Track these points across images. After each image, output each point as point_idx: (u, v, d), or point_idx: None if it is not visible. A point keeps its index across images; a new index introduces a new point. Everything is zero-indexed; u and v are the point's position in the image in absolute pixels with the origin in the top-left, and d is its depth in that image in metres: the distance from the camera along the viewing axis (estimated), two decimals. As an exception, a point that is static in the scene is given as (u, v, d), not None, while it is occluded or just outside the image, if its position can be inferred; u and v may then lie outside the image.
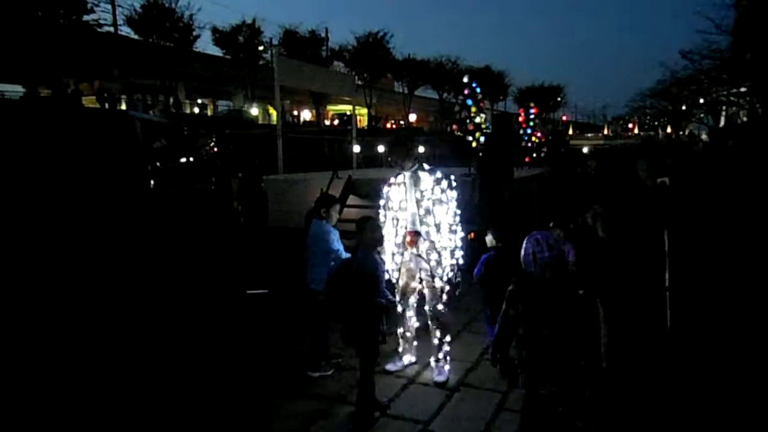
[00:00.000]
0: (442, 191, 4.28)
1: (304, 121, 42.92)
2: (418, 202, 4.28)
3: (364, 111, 42.82)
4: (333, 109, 47.81)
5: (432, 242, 4.26)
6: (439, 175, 4.33)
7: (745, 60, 22.19)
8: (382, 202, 4.46)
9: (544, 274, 2.75)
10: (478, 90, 9.99)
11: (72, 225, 3.86)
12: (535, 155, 14.44)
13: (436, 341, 4.36)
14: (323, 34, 39.44)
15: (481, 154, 9.61)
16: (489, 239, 5.04)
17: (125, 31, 28.99)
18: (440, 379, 4.27)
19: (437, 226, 4.27)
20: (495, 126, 9.94)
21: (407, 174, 4.31)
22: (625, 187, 6.62)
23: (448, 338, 4.39)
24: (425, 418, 3.67)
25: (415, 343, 4.59)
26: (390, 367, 4.49)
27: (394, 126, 48.92)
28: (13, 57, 22.57)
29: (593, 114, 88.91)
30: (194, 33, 30.36)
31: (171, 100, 31.64)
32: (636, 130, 61.40)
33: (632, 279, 4.49)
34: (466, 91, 9.95)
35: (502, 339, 2.90)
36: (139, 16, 28.44)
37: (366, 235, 3.68)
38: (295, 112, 44.98)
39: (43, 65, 23.12)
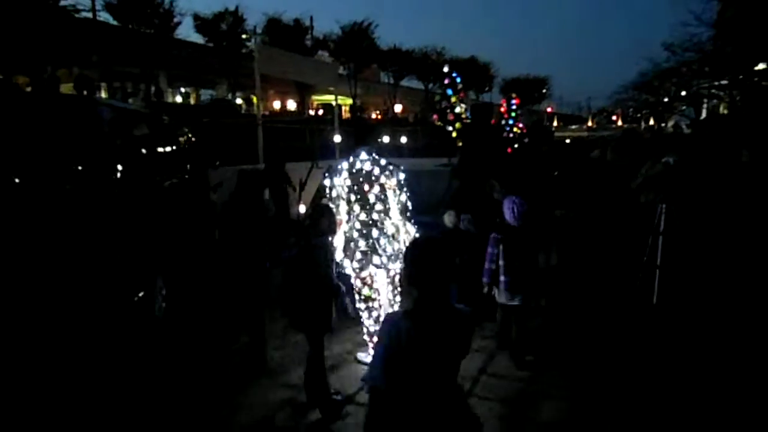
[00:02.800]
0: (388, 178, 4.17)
1: (289, 111, 42.54)
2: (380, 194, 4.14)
3: (350, 101, 42.57)
4: (318, 99, 47.43)
5: (383, 229, 4.11)
6: (383, 161, 4.22)
7: (726, 53, 22.43)
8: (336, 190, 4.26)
9: (519, 223, 4.36)
10: (458, 80, 9.96)
11: (26, 215, 3.65)
12: (516, 146, 14.46)
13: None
14: (308, 23, 39.02)
15: (460, 143, 9.61)
16: (447, 219, 5.22)
17: (104, 17, 28.38)
18: None
19: (387, 213, 4.14)
20: (474, 116, 9.93)
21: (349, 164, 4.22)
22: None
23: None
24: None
25: None
26: (362, 356, 4.50)
27: (379, 116, 48.71)
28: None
29: (578, 106, 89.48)
30: (175, 20, 29.84)
31: (152, 88, 31.10)
32: (620, 122, 61.92)
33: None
34: (446, 81, 9.92)
35: (489, 270, 4.44)
36: (118, 2, 27.85)
37: (321, 222, 3.67)
38: (279, 102, 44.58)
39: (18, 51, 22.56)
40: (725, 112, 29.75)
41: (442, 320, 1.99)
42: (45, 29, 22.42)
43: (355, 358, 4.53)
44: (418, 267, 2.01)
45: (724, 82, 26.12)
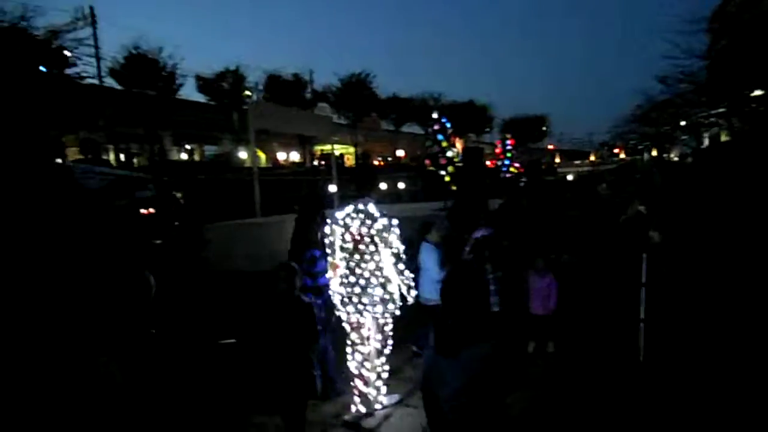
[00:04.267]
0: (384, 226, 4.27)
1: (291, 162, 43.13)
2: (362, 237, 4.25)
3: (353, 149, 43.13)
4: (320, 148, 48.18)
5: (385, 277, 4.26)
6: (376, 213, 4.28)
7: (720, 82, 22.59)
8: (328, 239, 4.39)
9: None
10: (448, 125, 10.01)
11: None
12: (512, 186, 14.47)
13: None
14: (307, 77, 40.05)
15: (454, 187, 9.55)
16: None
17: (108, 82, 29.32)
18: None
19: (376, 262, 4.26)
20: (465, 159, 9.92)
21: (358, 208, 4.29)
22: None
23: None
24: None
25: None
26: (348, 418, 4.27)
27: (381, 163, 49.25)
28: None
29: (580, 141, 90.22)
30: (178, 81, 30.71)
31: (155, 148, 31.77)
32: (622, 155, 62.09)
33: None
34: (436, 126, 9.97)
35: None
36: (122, 67, 28.81)
37: (280, 285, 3.59)
38: (284, 154, 45.24)
39: (26, 119, 23.25)
40: (727, 138, 29.75)
41: None
42: (51, 96, 23.20)
43: (344, 422, 4.30)
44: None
45: (721, 110, 26.25)
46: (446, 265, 4.90)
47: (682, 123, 34.30)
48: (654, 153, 47.71)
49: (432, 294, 4.70)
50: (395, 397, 4.52)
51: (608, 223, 6.33)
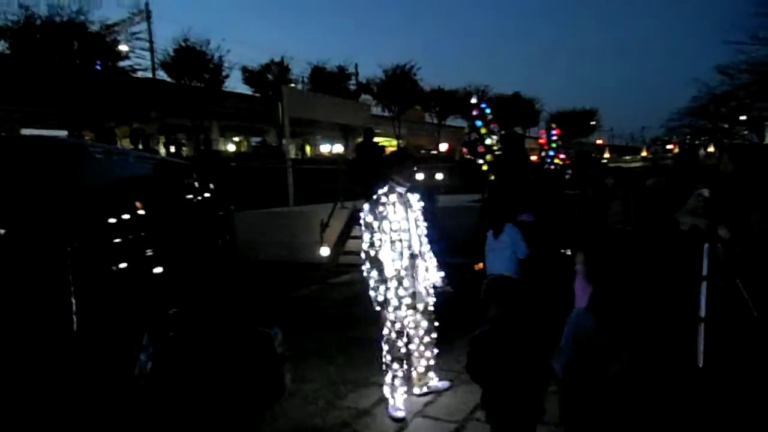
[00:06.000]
0: (425, 210, 4.25)
1: (335, 155, 43.34)
2: (415, 221, 4.15)
3: (395, 142, 42.95)
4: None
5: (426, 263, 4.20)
6: (417, 195, 4.25)
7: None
8: (375, 223, 4.05)
9: None
10: (488, 111, 9.63)
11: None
12: (557, 178, 13.87)
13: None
14: (351, 69, 40.05)
15: (492, 177, 9.20)
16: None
17: (160, 75, 30.27)
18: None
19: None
20: (504, 146, 9.50)
21: (402, 192, 4.12)
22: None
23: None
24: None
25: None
26: (397, 414, 3.97)
27: (422, 155, 48.88)
28: (58, 105, 23.86)
29: (631, 137, 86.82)
30: (224, 73, 31.32)
31: (202, 138, 32.62)
32: (676, 150, 59.26)
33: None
34: (474, 112, 9.60)
35: None
36: (172, 60, 29.63)
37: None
38: (328, 146, 45.57)
39: (84, 111, 24.34)
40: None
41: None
42: (106, 89, 24.16)
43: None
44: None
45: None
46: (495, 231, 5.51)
47: (742, 117, 32.31)
48: (711, 150, 45.27)
49: (509, 270, 5.17)
50: (445, 383, 4.36)
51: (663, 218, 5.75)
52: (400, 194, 4.08)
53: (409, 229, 4.04)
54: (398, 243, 3.99)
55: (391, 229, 3.99)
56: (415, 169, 4.45)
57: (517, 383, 2.49)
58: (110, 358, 3.50)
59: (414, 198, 4.19)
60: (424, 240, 4.21)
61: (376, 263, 3.96)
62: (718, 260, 4.31)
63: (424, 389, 4.23)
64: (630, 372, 2.74)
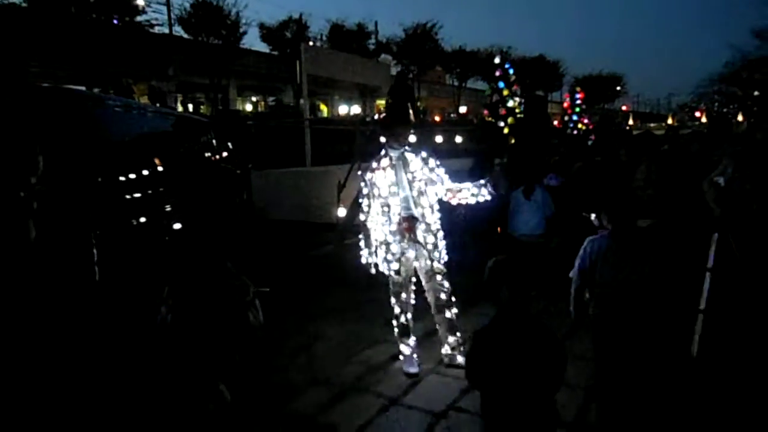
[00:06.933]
0: (431, 170, 4.04)
1: (353, 116, 42.91)
2: (410, 183, 4.00)
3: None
4: (381, 103, 47.61)
5: (428, 224, 4.01)
6: (424, 154, 4.09)
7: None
8: (364, 190, 4.15)
9: None
10: (511, 71, 9.35)
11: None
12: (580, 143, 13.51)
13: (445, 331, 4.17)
14: (371, 27, 39.16)
15: (513, 140, 8.99)
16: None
17: (177, 30, 29.86)
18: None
19: (431, 207, 4.05)
20: (527, 108, 9.25)
21: (394, 155, 4.05)
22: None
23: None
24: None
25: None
26: (411, 369, 4.05)
27: (440, 118, 48.20)
28: (76, 61, 23.78)
29: (657, 103, 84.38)
30: (241, 29, 30.79)
31: (219, 96, 32.39)
32: (704, 119, 57.52)
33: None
34: (497, 73, 9.33)
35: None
36: (189, 15, 29.19)
37: None
38: (345, 107, 45.09)
39: (101, 67, 24.25)
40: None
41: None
42: (123, 44, 23.96)
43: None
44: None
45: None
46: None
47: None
48: (740, 119, 43.80)
49: (541, 229, 5.64)
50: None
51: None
52: (391, 158, 4.02)
53: (398, 193, 3.96)
54: (386, 208, 3.98)
55: (379, 195, 4.01)
56: (411, 131, 4.40)
57: (525, 389, 2.14)
58: (134, 306, 3.61)
59: (415, 159, 4.02)
60: (427, 201, 4.02)
61: (364, 229, 4.15)
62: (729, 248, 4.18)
63: (448, 350, 4.16)
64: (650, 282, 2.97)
